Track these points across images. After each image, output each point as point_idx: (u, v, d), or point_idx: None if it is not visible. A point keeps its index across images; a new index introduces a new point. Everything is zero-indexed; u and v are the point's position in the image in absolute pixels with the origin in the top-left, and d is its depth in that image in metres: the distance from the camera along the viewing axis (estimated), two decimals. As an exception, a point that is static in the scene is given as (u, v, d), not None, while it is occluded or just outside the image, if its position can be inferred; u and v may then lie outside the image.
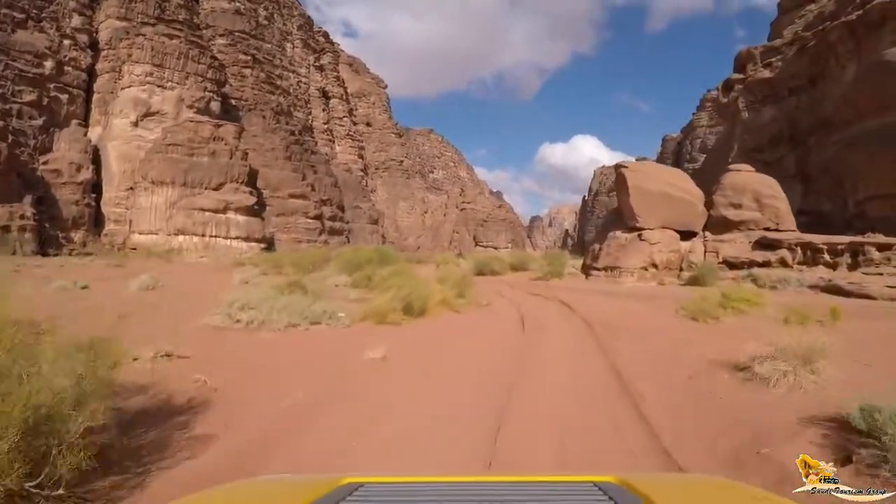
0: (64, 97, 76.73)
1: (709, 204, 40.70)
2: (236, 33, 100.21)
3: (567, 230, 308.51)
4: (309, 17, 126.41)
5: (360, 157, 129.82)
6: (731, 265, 36.35)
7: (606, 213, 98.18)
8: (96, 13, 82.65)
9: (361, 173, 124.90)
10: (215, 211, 67.14)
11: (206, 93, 78.83)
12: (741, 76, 60.68)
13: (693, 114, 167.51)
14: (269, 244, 72.58)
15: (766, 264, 35.39)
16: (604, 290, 31.52)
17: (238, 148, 73.68)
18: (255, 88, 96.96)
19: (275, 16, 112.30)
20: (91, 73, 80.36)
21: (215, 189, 67.80)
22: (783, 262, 35.19)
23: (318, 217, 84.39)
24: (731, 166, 42.79)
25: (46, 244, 64.52)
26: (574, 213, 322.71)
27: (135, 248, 65.44)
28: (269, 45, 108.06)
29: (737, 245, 38.03)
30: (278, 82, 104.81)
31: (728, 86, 63.73)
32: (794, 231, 38.61)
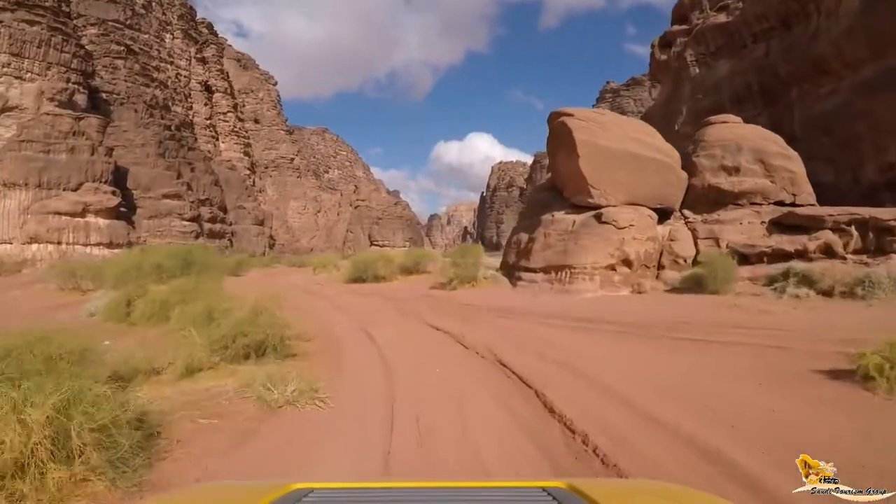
0: None
1: (688, 171, 29.00)
2: (109, 23, 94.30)
3: (466, 227, 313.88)
4: (191, 7, 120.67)
5: (247, 154, 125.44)
6: (744, 258, 24.46)
7: (532, 191, 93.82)
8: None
9: (248, 171, 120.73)
10: (72, 214, 62.38)
11: (71, 84, 73.49)
12: (684, 27, 53.16)
13: (592, 106, 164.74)
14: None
15: (801, 254, 23.63)
16: (559, 309, 19.51)
17: (102, 143, 69.25)
18: (129, 81, 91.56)
19: (153, 4, 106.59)
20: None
21: (74, 190, 63.15)
22: (829, 250, 23.43)
23: (195, 219, 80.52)
24: (712, 118, 31.25)
25: None
26: (472, 211, 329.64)
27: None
28: (147, 36, 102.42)
29: (745, 227, 26.20)
30: (155, 74, 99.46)
31: (666, 41, 56.05)
32: (821, 206, 26.88)
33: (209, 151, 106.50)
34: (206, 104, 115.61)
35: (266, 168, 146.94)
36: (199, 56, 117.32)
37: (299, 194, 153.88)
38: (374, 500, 2.10)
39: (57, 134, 65.24)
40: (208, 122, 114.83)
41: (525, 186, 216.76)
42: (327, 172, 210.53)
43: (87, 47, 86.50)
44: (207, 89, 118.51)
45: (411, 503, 2.07)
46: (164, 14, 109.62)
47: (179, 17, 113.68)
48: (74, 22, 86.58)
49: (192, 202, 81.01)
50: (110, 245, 63.42)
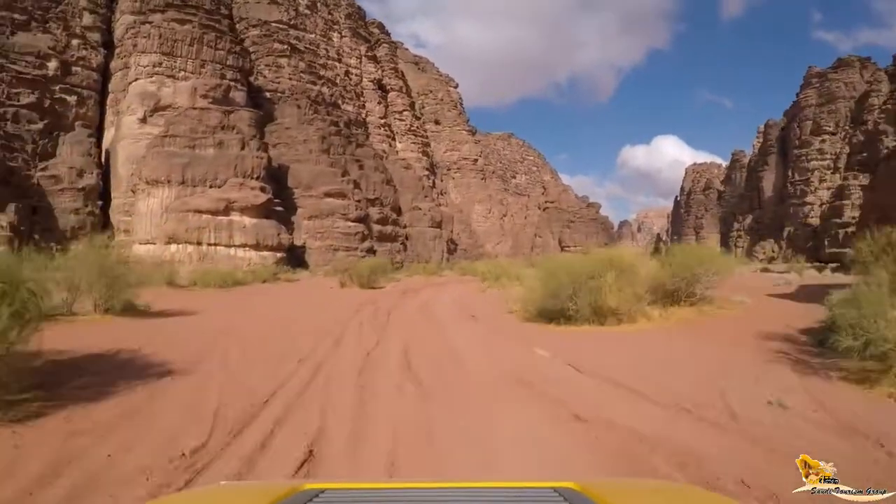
0: (71, 99, 67.77)
1: None
2: (272, 24, 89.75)
3: (658, 234, 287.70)
4: (359, 7, 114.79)
5: (425, 154, 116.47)
6: None
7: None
8: (114, 11, 73.82)
9: (426, 172, 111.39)
10: (214, 213, 54.80)
11: (225, 81, 67.57)
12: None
13: (798, 94, 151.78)
14: (291, 253, 60.00)
15: None
16: None
17: (255, 137, 61.64)
18: (294, 79, 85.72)
19: (318, 5, 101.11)
20: (106, 73, 71.31)
21: (219, 187, 55.68)
22: None
23: (362, 220, 71.08)
24: None
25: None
26: (663, 217, 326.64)
27: (136, 262, 54.00)
28: (312, 35, 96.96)
29: None
30: (322, 72, 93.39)
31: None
32: None
33: (383, 151, 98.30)
34: (379, 103, 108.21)
35: (448, 170, 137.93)
36: (370, 54, 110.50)
37: (484, 197, 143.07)
38: (384, 500, 2.08)
39: (204, 128, 58.53)
40: (383, 121, 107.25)
41: (723, 189, 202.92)
42: (514, 178, 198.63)
43: (249, 49, 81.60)
44: (381, 88, 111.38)
45: (422, 503, 2.04)
46: (330, 14, 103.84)
47: (347, 17, 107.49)
48: (237, 25, 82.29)
49: (359, 201, 71.71)
50: (257, 247, 55.05)
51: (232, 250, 54.01)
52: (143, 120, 64.39)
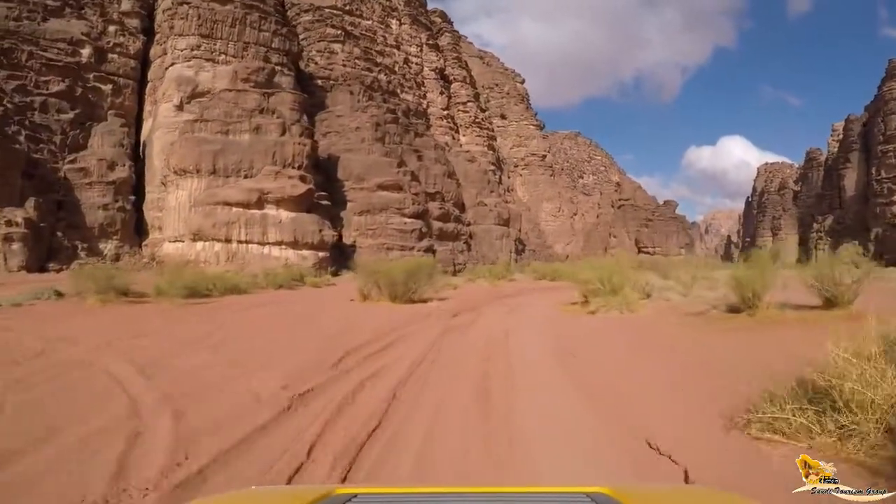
0: (106, 88, 62.35)
1: None
2: (325, 9, 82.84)
3: (728, 236, 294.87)
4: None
5: (491, 148, 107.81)
6: None
7: None
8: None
9: (492, 166, 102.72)
10: (245, 205, 47.43)
11: (269, 64, 60.88)
12: None
13: (880, 87, 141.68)
14: (339, 252, 52.54)
15: None
16: None
17: (298, 122, 54.49)
18: (348, 65, 78.71)
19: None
20: (145, 61, 65.90)
21: (253, 176, 48.63)
22: None
23: (420, 215, 62.95)
24: None
25: (55, 256, 49.34)
26: (731, 219, 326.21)
27: (163, 261, 47.60)
28: (369, 22, 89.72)
29: None
30: (379, 59, 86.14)
31: None
32: None
33: (446, 144, 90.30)
34: (441, 93, 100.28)
35: (515, 167, 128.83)
36: (431, 43, 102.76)
37: (553, 195, 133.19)
38: None
39: (240, 112, 51.79)
40: (445, 112, 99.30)
41: (799, 188, 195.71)
42: (581, 178, 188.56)
43: (300, 35, 75.21)
44: (444, 78, 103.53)
45: None
46: (388, 0, 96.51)
47: (406, 3, 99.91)
48: (287, 12, 76.07)
49: (417, 195, 63.68)
50: (295, 244, 47.48)
51: (266, 248, 46.69)
52: (180, 107, 58.25)
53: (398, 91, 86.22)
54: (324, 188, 56.79)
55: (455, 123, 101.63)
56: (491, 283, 41.18)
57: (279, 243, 47.11)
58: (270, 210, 47.68)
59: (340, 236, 56.12)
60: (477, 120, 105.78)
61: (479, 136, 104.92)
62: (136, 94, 64.81)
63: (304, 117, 58.13)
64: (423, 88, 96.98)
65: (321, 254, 48.91)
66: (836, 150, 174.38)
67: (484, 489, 2.26)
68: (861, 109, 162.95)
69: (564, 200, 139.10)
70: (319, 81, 73.81)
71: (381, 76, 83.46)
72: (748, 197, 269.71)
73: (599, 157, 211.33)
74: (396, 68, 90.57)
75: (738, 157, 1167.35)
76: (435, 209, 67.65)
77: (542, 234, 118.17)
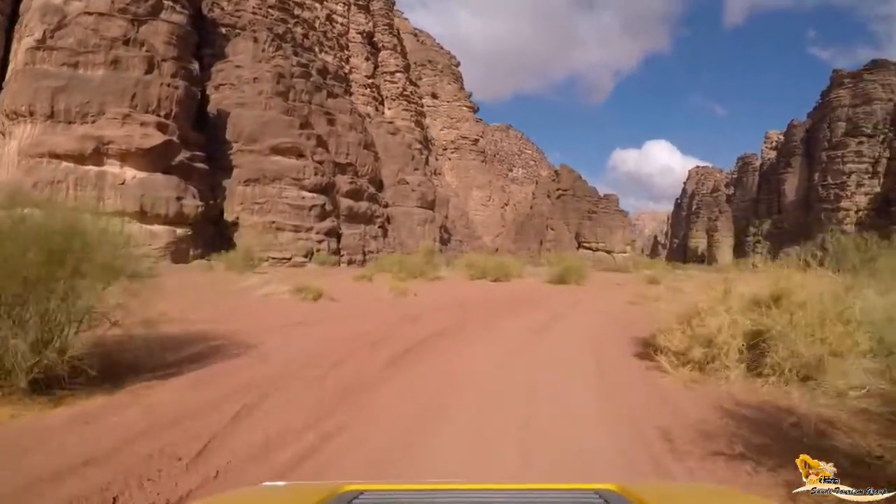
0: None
1: None
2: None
3: (655, 236, 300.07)
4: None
5: (419, 125, 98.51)
6: None
7: None
8: None
9: (419, 145, 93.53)
10: (78, 159, 36.46)
11: (153, -6, 49.74)
12: None
13: (826, 95, 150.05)
14: (215, 230, 42.41)
15: None
16: None
17: (175, 59, 43.81)
18: (259, 13, 67.90)
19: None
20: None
21: (93, 122, 37.76)
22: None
23: (324, 190, 53.24)
24: None
25: None
26: (655, 220, 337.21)
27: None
28: (289, -32, 78.89)
29: None
30: (297, 12, 75.46)
31: None
32: None
33: (368, 115, 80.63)
34: (368, 59, 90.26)
35: (445, 150, 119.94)
36: (361, 3, 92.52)
37: (483, 182, 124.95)
38: (424, 501, 2.04)
39: (97, 41, 40.80)
40: (370, 80, 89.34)
41: (733, 192, 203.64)
42: (511, 171, 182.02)
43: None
44: (372, 44, 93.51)
45: None
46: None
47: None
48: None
49: (322, 164, 53.92)
50: (142, 216, 36.81)
51: (102, 221, 36.21)
52: (42, 42, 46.44)
53: (316, 49, 75.83)
54: (207, 149, 46.48)
55: (380, 94, 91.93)
56: (397, 287, 23.69)
57: (120, 213, 36.44)
58: (112, 167, 36.85)
59: (222, 211, 46.01)
60: (405, 92, 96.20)
61: (407, 110, 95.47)
62: (5, 32, 52.28)
63: (191, 60, 47.49)
64: (346, 52, 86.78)
65: (180, 231, 38.37)
66: (771, 156, 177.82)
67: (491, 486, 2.21)
68: (784, 125, 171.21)
69: (496, 189, 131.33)
70: (223, 29, 62.92)
71: (298, 29, 72.94)
72: (678, 199, 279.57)
73: (530, 152, 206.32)
74: (317, 24, 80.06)
75: (663, 162, 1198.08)
76: (344, 184, 58.02)
77: (470, 223, 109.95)
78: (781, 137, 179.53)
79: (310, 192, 51.37)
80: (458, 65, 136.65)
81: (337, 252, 53.58)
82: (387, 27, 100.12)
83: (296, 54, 64.32)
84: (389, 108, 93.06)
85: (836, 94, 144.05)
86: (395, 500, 2.04)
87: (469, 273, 37.32)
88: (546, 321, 15.99)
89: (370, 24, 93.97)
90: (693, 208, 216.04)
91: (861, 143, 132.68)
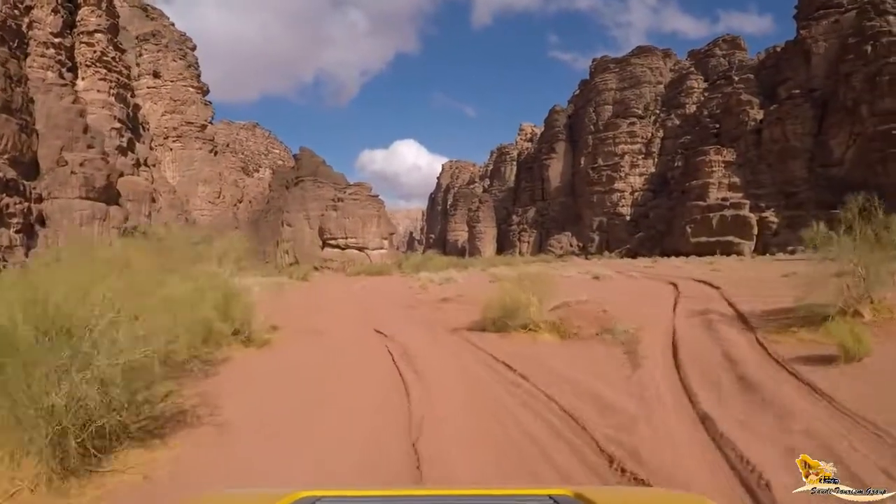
0: None
1: None
2: None
3: (411, 233, 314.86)
4: None
5: (123, 101, 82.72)
6: None
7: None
8: None
9: (118, 125, 78.26)
10: None
11: None
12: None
13: (591, 79, 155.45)
14: None
15: None
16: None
17: None
18: None
19: None
20: None
21: None
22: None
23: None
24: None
25: None
26: (409, 218, 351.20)
27: None
28: None
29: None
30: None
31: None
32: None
33: (44, 81, 64.75)
34: (57, 12, 73.25)
35: (166, 138, 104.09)
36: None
37: (212, 176, 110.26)
38: None
39: None
40: (57, 40, 72.48)
41: (490, 184, 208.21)
42: (258, 171, 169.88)
43: None
44: (66, -3, 76.53)
45: None
46: None
47: None
48: None
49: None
50: None
51: None
52: None
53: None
54: None
55: (72, 59, 75.44)
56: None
57: None
58: None
59: None
60: (105, 58, 79.92)
61: (106, 80, 79.25)
62: None
63: None
64: (21, 3, 69.24)
65: None
66: (528, 147, 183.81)
67: (446, 491, 2.24)
68: (537, 121, 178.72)
69: (228, 184, 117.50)
70: None
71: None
72: (432, 193, 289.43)
73: (278, 151, 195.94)
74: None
75: (411, 161, 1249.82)
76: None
77: (193, 225, 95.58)
78: (536, 130, 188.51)
79: None
80: (194, 48, 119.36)
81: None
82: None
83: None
84: (83, 78, 76.87)
85: (601, 78, 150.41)
86: None
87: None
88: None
89: (65, -30, 76.98)
90: (450, 202, 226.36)
91: (633, 123, 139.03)
